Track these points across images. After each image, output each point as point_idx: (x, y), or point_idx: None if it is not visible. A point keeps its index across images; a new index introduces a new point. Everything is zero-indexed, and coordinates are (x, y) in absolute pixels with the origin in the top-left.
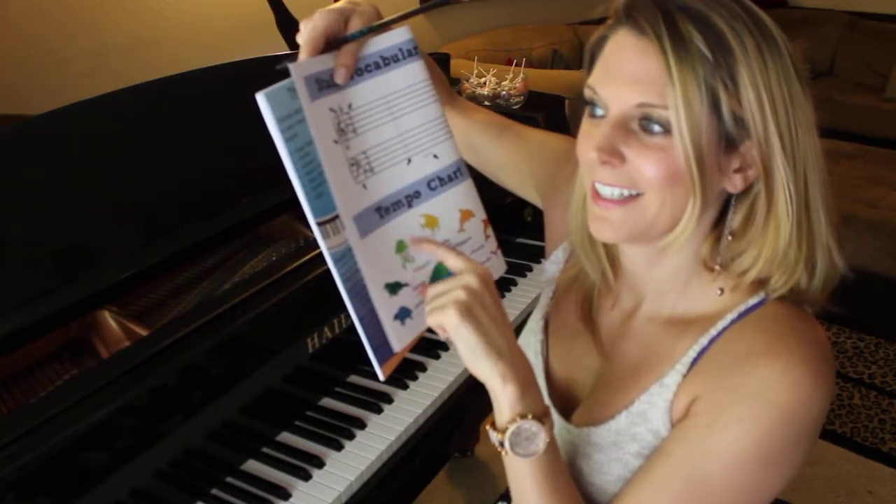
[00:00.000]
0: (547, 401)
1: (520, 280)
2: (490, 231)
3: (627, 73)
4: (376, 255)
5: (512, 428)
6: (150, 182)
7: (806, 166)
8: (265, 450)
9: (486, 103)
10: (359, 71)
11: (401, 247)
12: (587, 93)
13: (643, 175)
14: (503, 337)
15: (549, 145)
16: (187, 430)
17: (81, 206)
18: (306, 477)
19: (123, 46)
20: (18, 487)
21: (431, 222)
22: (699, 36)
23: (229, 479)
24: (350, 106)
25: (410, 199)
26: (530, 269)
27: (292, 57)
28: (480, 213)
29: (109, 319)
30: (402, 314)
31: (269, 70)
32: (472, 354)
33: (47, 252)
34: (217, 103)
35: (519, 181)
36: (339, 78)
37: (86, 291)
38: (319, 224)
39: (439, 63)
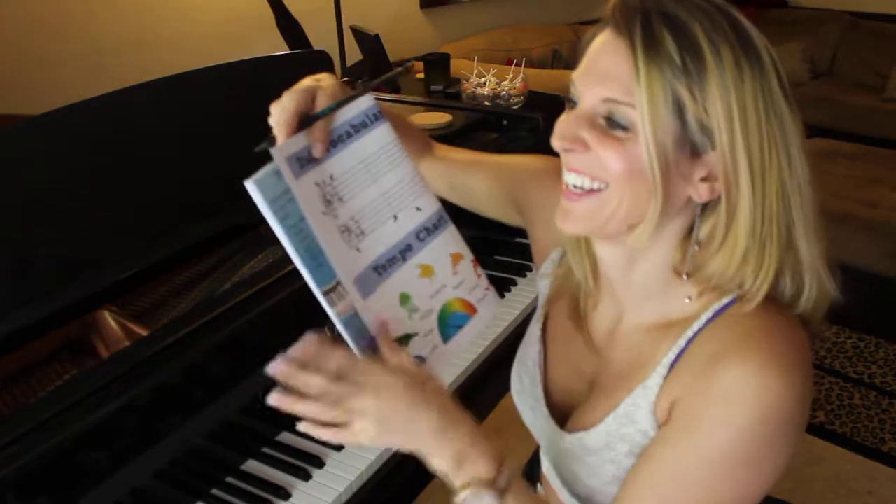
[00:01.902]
0: (544, 411)
1: (520, 280)
2: (480, 270)
3: (600, 68)
4: (382, 313)
5: (461, 496)
6: (149, 182)
7: (784, 184)
8: (265, 450)
9: (486, 103)
10: (333, 142)
11: (404, 299)
12: (570, 87)
13: (605, 165)
14: (417, 422)
15: (523, 165)
16: (187, 430)
17: (81, 207)
18: (306, 477)
19: (120, 48)
20: (18, 487)
21: (427, 271)
22: (672, 41)
23: (229, 479)
24: (332, 177)
25: (404, 252)
26: (529, 270)
27: (270, 138)
28: (469, 254)
29: (109, 319)
30: (417, 362)
31: (268, 70)
32: (401, 447)
33: (47, 252)
34: (217, 103)
35: (500, 206)
36: (317, 153)
37: (86, 291)
38: (325, 293)
39: (439, 63)
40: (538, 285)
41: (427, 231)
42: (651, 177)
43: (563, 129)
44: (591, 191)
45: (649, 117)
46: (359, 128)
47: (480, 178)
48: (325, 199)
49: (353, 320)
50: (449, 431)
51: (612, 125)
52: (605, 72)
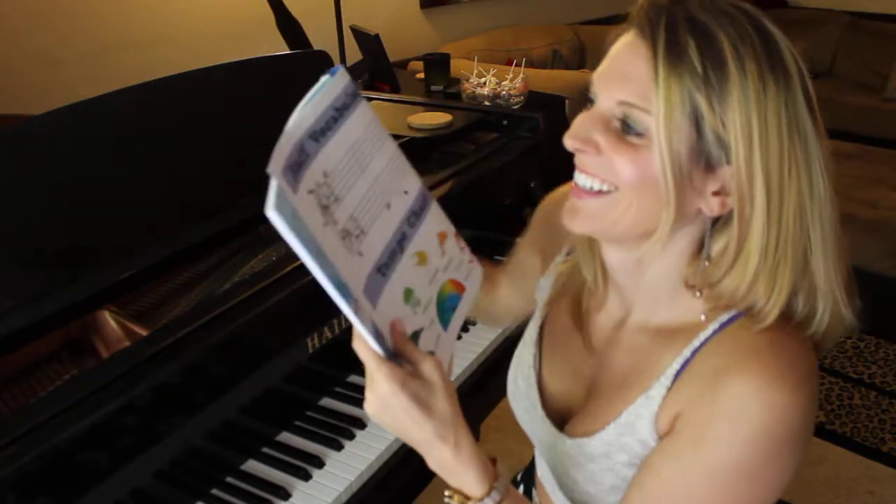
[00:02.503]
0: (540, 413)
1: None
2: (462, 242)
3: (619, 70)
4: (391, 315)
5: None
6: (149, 182)
7: (803, 204)
8: (265, 450)
9: (486, 103)
10: (322, 132)
11: (408, 295)
12: (590, 85)
13: (616, 170)
14: (409, 431)
15: (533, 223)
16: (187, 430)
17: (81, 206)
18: (306, 477)
19: (120, 47)
20: (18, 487)
21: (422, 258)
22: (696, 49)
23: (229, 479)
24: (325, 174)
25: (401, 243)
26: None
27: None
28: (451, 229)
29: (109, 319)
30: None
31: (268, 70)
32: (396, 434)
33: (47, 252)
34: (217, 103)
35: (537, 273)
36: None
37: (86, 291)
38: (355, 312)
39: (439, 63)
40: (538, 287)
41: (416, 215)
42: (664, 187)
43: (576, 130)
44: (600, 192)
45: (664, 125)
46: (342, 110)
47: (527, 259)
48: (321, 206)
49: (376, 331)
50: (431, 451)
51: (626, 130)
52: (624, 73)
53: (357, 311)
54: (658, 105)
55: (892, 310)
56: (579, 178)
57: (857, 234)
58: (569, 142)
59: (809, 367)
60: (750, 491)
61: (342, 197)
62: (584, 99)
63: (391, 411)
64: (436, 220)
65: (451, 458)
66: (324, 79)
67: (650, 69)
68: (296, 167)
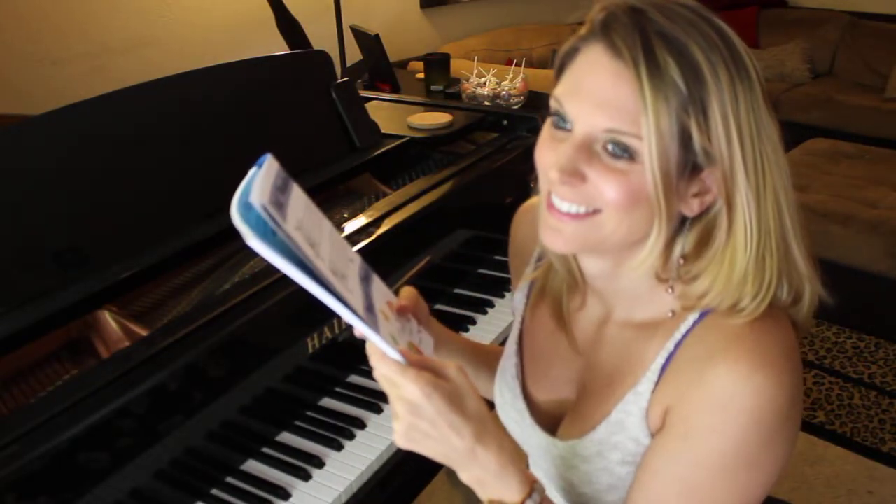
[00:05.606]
0: (529, 421)
1: None
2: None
3: (598, 95)
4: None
5: None
6: (149, 182)
7: (778, 197)
8: (265, 450)
9: (486, 103)
10: (282, 187)
11: (395, 341)
12: (553, 104)
13: (604, 196)
14: (448, 440)
15: (510, 258)
16: (187, 430)
17: (81, 206)
18: (306, 477)
19: (123, 47)
20: (18, 487)
21: (385, 316)
22: (675, 66)
23: (229, 479)
24: (299, 219)
25: (369, 296)
26: None
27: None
28: (394, 299)
29: (109, 319)
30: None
31: (268, 70)
32: (432, 454)
33: (47, 252)
34: (217, 103)
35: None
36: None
37: (86, 291)
38: (363, 320)
39: (439, 63)
40: (514, 300)
41: (367, 279)
42: (656, 204)
43: (562, 163)
44: (585, 214)
45: (657, 148)
46: (287, 181)
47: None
48: (308, 242)
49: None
50: (473, 459)
51: (613, 153)
52: (606, 99)
53: (366, 322)
54: (649, 130)
55: (892, 310)
56: (561, 205)
57: (858, 234)
58: (555, 174)
59: (790, 344)
60: (752, 476)
61: (317, 243)
62: (549, 115)
63: (425, 420)
64: (381, 287)
65: (494, 463)
66: (252, 171)
67: (634, 94)
68: (280, 205)
